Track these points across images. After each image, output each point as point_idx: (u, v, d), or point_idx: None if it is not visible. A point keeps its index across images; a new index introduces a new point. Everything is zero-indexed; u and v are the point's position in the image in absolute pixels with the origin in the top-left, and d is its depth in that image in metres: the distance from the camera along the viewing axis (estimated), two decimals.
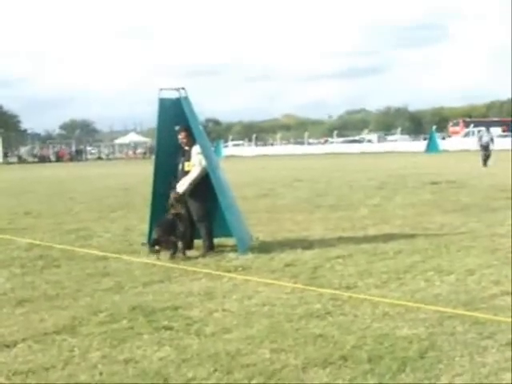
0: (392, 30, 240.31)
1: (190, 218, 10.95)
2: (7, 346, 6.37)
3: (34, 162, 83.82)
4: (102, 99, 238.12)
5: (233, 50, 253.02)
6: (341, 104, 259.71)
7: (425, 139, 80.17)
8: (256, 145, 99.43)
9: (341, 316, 7.04)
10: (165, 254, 10.45)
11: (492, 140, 37.88)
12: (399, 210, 16.13)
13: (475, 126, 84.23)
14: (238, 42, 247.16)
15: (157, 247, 10.50)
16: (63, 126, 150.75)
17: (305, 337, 6.33)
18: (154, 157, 12.19)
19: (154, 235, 10.65)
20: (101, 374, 5.59)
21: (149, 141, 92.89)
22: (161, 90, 11.07)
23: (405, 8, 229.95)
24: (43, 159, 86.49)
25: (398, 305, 7.31)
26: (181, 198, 10.83)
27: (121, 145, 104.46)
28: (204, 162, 10.87)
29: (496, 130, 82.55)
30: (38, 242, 12.52)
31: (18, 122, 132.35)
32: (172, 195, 10.84)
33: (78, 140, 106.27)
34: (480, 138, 38.42)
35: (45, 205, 20.73)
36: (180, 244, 10.67)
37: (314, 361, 5.67)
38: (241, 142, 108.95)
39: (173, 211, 10.79)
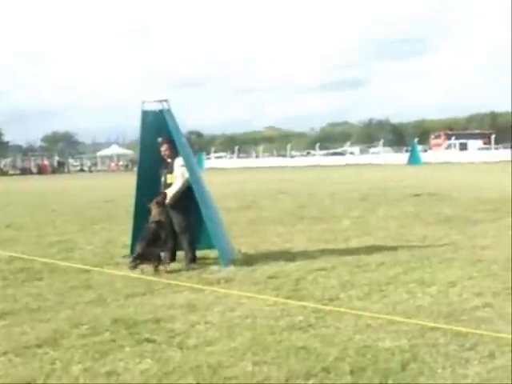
0: (374, 43, 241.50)
1: (172, 229, 10.94)
2: None
3: (15, 175, 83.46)
4: (85, 111, 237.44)
5: (216, 62, 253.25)
6: (323, 116, 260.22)
7: (407, 151, 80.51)
8: (238, 157, 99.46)
9: (323, 328, 7.04)
10: (148, 267, 10.39)
11: None
12: (381, 222, 16.17)
13: (457, 139, 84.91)
14: (221, 54, 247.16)
15: (137, 261, 10.38)
16: (45, 138, 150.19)
17: (287, 349, 6.33)
18: (136, 169, 12.17)
19: (138, 249, 10.53)
20: None
21: (131, 153, 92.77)
22: (144, 102, 11.08)
23: (386, 21, 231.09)
24: (25, 171, 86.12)
25: (379, 317, 7.33)
26: (163, 203, 10.78)
27: (103, 157, 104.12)
28: (187, 174, 10.87)
29: (477, 143, 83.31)
30: (19, 255, 12.45)
31: (0, 134, 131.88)
32: (155, 200, 10.78)
33: (60, 152, 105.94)
34: None
35: (27, 217, 20.62)
36: (163, 254, 10.65)
37: (297, 373, 5.68)
38: (223, 154, 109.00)
39: (153, 219, 10.74)
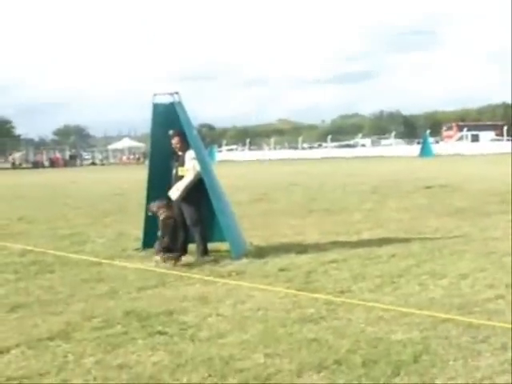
0: (385, 34, 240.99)
1: (183, 222, 10.95)
2: (1, 352, 6.35)
3: (27, 168, 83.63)
4: (96, 104, 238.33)
5: (227, 55, 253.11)
6: (335, 109, 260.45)
7: (418, 143, 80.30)
8: (250, 149, 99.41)
9: (335, 320, 7.04)
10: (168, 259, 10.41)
11: None
12: (393, 214, 16.14)
13: (468, 130, 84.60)
14: (232, 47, 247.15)
15: (168, 254, 10.40)
16: (57, 132, 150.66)
17: (299, 341, 6.33)
18: (147, 162, 12.18)
19: (164, 244, 10.51)
20: (95, 379, 5.58)
21: (143, 146, 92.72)
22: (155, 95, 11.07)
23: (397, 13, 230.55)
24: (37, 165, 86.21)
25: (391, 309, 7.32)
26: (168, 204, 10.79)
27: (115, 150, 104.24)
28: (198, 167, 10.87)
29: (489, 134, 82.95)
30: (31, 248, 12.49)
31: (12, 127, 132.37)
32: (157, 205, 10.78)
33: (71, 145, 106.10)
34: None
35: (38, 210, 20.68)
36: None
37: (309, 365, 5.68)
38: (234, 146, 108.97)
39: (162, 217, 10.71)
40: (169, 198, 10.83)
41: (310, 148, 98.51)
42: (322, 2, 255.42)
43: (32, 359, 6.13)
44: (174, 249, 10.47)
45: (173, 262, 10.33)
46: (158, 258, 10.41)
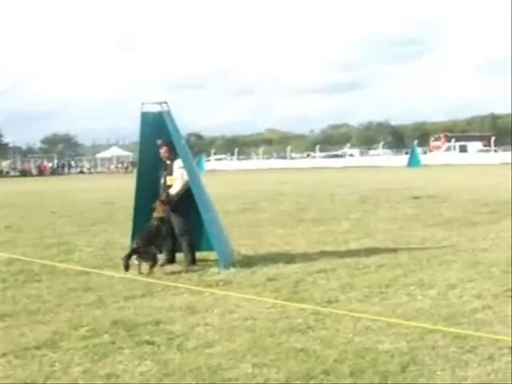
0: (374, 45, 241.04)
1: (172, 232, 10.95)
2: None
3: (15, 176, 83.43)
4: (85, 113, 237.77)
5: (216, 64, 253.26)
6: (323, 119, 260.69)
7: (407, 153, 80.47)
8: (238, 159, 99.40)
9: (322, 330, 7.04)
10: (145, 267, 10.40)
11: None
12: (381, 224, 16.17)
13: (456, 141, 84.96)
14: (221, 56, 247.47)
15: (134, 257, 10.40)
16: (45, 140, 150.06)
17: (287, 351, 6.32)
18: (136, 171, 12.17)
19: (134, 244, 10.58)
20: None
21: (131, 155, 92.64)
22: (143, 103, 11.07)
23: (387, 24, 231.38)
24: (25, 173, 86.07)
25: (378, 320, 7.33)
26: (167, 201, 10.80)
27: (103, 159, 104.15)
28: (186, 177, 10.87)
29: (477, 145, 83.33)
30: (18, 257, 12.44)
31: (0, 135, 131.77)
32: (160, 198, 10.81)
33: (59, 154, 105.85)
34: None
35: (26, 219, 20.63)
36: (164, 255, 10.70)
37: (296, 375, 5.67)
38: (223, 156, 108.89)
39: (156, 216, 10.76)
40: (168, 196, 10.84)
41: (299, 158, 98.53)
42: (311, 13, 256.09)
43: (19, 368, 6.10)
44: (145, 253, 10.42)
45: (148, 268, 10.36)
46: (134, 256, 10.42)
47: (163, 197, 10.84)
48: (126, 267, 10.30)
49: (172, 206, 10.85)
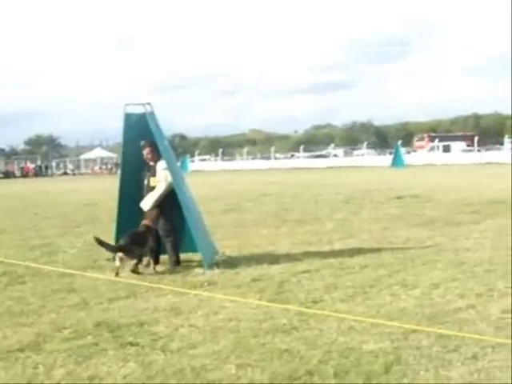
0: (358, 46, 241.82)
1: (156, 233, 10.93)
2: None
3: None
4: (68, 114, 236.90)
5: (200, 65, 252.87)
6: (307, 119, 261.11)
7: (390, 154, 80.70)
8: (222, 159, 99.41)
9: (307, 331, 7.04)
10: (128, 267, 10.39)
11: None
12: (365, 225, 16.19)
13: (440, 141, 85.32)
14: (205, 57, 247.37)
15: (120, 254, 10.38)
16: (28, 142, 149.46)
17: (271, 352, 6.32)
18: (119, 172, 12.14)
19: (121, 241, 10.58)
20: None
21: (115, 156, 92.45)
22: (127, 105, 11.05)
23: (371, 25, 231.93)
24: (8, 175, 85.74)
25: (362, 320, 7.34)
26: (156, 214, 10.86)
27: (87, 160, 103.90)
28: (170, 178, 10.85)
29: (460, 145, 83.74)
30: (1, 259, 12.38)
31: None
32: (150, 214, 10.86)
33: (43, 155, 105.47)
34: None
35: (9, 220, 20.53)
36: (149, 259, 10.69)
37: (280, 376, 5.67)
38: (207, 156, 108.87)
39: (144, 222, 10.78)
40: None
41: (283, 158, 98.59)
42: (295, 14, 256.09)
43: (1, 371, 6.07)
44: (130, 251, 10.42)
45: (133, 265, 10.39)
46: (120, 255, 10.40)
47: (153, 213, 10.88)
48: (113, 257, 10.45)
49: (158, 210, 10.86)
